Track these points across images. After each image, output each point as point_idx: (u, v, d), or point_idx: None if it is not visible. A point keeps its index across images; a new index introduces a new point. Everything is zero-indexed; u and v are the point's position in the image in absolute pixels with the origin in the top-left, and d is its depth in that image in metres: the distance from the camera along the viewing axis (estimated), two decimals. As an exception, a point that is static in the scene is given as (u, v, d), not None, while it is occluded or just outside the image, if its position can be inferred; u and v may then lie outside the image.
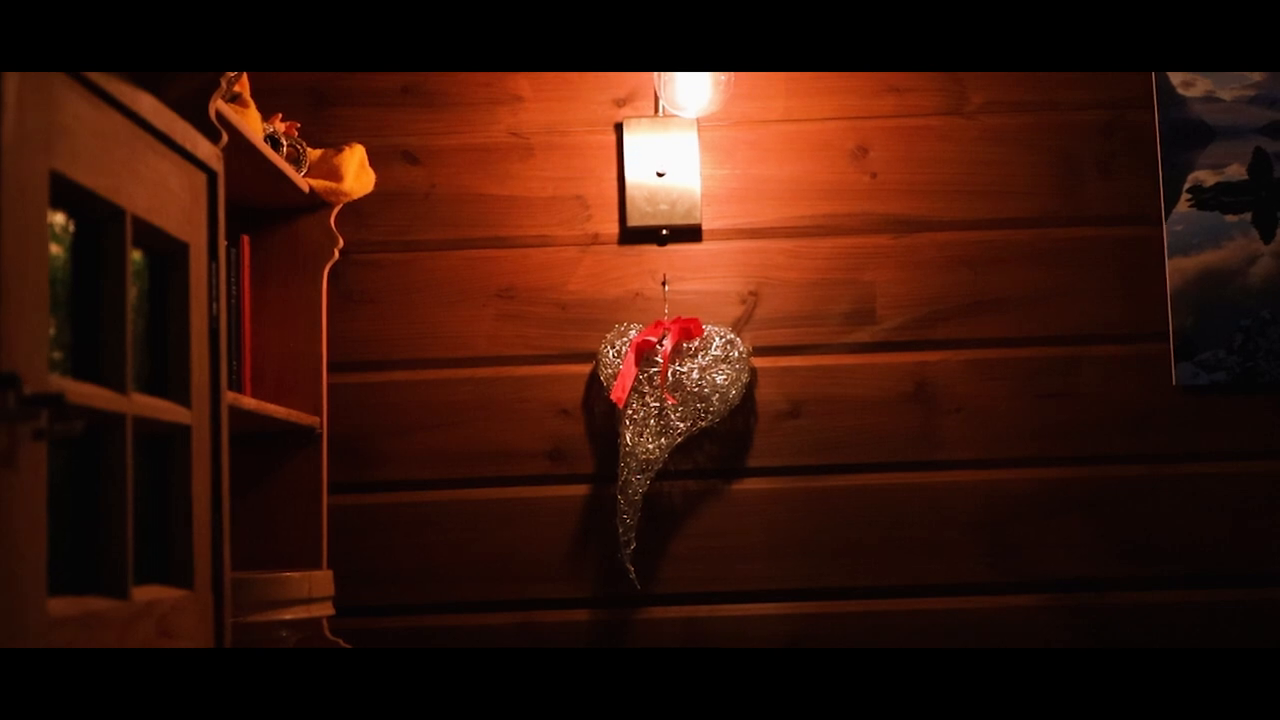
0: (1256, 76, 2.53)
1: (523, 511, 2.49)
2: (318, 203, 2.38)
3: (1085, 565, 2.47)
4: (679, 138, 2.54)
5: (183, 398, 1.36)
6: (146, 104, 1.29)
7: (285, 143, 2.30)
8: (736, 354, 2.45)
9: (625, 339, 2.47)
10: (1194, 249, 2.50)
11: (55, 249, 1.14)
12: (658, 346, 2.45)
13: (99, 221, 1.21)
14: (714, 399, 2.44)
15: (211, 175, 1.46)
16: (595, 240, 2.55)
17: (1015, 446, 2.49)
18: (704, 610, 2.47)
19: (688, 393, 2.44)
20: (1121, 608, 2.45)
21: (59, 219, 1.15)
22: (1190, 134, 2.53)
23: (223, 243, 1.56)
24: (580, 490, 2.49)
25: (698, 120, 2.55)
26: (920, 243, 2.53)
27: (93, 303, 1.21)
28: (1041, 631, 2.45)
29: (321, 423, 2.37)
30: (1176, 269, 2.50)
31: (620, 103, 2.58)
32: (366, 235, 2.54)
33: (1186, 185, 2.52)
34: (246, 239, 2.24)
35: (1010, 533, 2.48)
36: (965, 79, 2.57)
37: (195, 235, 1.41)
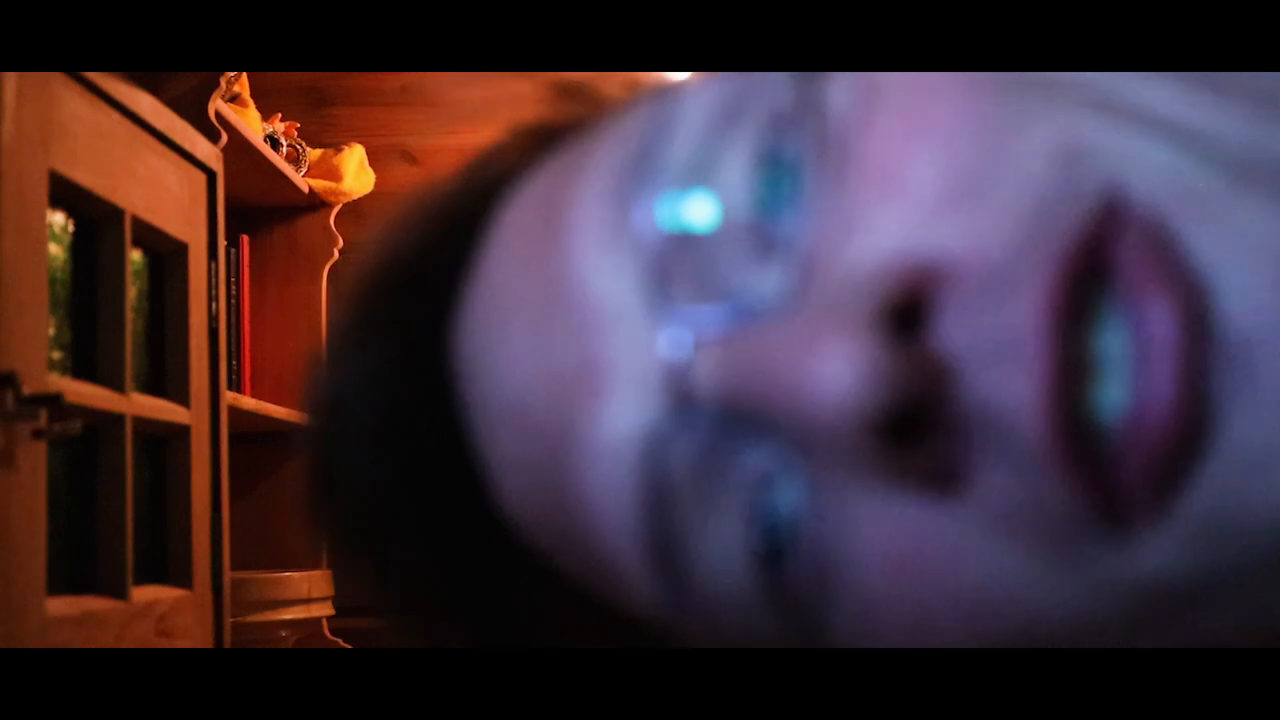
0: None
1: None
2: (317, 202, 2.38)
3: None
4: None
5: (182, 398, 1.36)
6: (145, 104, 1.29)
7: (285, 143, 2.30)
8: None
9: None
10: None
11: (54, 249, 1.14)
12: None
13: (98, 221, 1.21)
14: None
15: (211, 175, 1.46)
16: (595, 240, 2.55)
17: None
18: (704, 610, 2.47)
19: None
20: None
21: (58, 219, 1.15)
22: None
23: (222, 243, 1.56)
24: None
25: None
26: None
27: (91, 302, 1.21)
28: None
29: (321, 423, 2.36)
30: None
31: (620, 103, 2.58)
32: (366, 235, 2.53)
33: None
34: (246, 239, 2.24)
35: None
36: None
37: (194, 235, 1.41)
